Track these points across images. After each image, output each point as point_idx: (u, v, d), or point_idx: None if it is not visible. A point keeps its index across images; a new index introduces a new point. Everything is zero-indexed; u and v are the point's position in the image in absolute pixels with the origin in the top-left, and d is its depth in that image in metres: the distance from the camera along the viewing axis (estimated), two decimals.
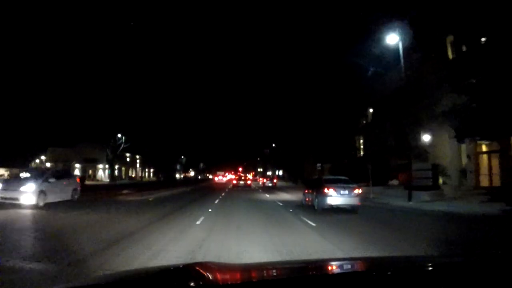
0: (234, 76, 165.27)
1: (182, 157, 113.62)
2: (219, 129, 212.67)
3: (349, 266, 2.26)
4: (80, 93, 53.42)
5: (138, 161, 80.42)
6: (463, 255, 4.15)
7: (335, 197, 13.31)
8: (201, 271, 1.76)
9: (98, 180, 61.33)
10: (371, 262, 2.55)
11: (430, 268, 1.97)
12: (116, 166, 68.65)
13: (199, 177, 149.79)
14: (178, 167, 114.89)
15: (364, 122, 43.96)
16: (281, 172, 79.61)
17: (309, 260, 4.35)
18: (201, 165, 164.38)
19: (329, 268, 2.28)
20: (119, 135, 56.39)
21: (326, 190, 13.35)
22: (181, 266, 2.00)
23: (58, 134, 60.88)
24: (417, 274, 1.78)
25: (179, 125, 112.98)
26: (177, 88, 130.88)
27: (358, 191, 13.82)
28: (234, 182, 47.30)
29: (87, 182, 53.78)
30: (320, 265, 2.48)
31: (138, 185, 45.54)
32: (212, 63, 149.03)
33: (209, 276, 1.69)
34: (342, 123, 45.49)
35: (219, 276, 1.78)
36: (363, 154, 42.65)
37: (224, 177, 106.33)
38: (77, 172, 65.81)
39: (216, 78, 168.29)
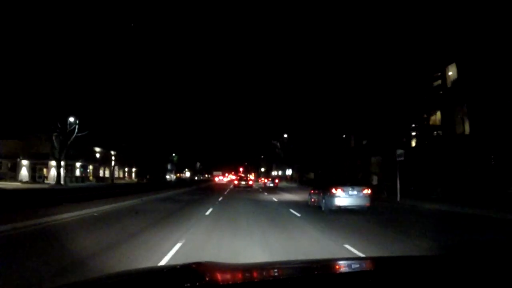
0: (233, 59, 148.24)
1: (174, 154, 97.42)
2: (217, 123, 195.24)
3: (350, 266, 2.25)
4: (34, 73, 38.02)
5: (113, 158, 64.14)
6: (464, 255, 3.72)
7: (343, 197, 12.69)
8: (200, 271, 1.76)
9: (46, 183, 45.02)
10: (372, 262, 2.51)
11: (430, 268, 1.91)
12: (78, 164, 52.53)
13: (196, 178, 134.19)
14: (169, 166, 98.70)
15: (439, 87, 27.47)
16: (290, 172, 63.68)
17: (309, 260, 3.88)
18: (198, 165, 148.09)
19: (330, 268, 2.25)
20: (71, 119, 40.21)
21: (333, 191, 12.79)
22: (181, 266, 1.96)
23: (4, 122, 45.47)
24: (418, 274, 1.77)
25: (170, 119, 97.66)
26: (170, 79, 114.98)
27: (367, 191, 13.03)
28: (236, 182, 45.31)
29: (16, 186, 37.77)
30: (320, 265, 2.40)
31: (89, 191, 29.57)
32: (209, 49, 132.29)
33: (209, 276, 1.69)
34: (398, 95, 29.05)
35: (218, 276, 1.77)
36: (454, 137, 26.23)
37: (224, 177, 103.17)
38: (24, 171, 50.04)
39: (213, 65, 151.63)
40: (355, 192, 12.89)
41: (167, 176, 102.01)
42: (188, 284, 1.54)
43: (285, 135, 55.35)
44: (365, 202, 12.94)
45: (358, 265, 2.29)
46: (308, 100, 44.27)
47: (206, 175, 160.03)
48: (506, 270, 1.71)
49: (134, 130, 72.30)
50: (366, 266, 2.26)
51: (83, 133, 41.29)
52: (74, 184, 44.12)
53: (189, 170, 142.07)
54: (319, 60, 40.08)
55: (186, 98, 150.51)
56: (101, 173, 61.20)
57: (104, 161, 60.09)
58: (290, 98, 54.89)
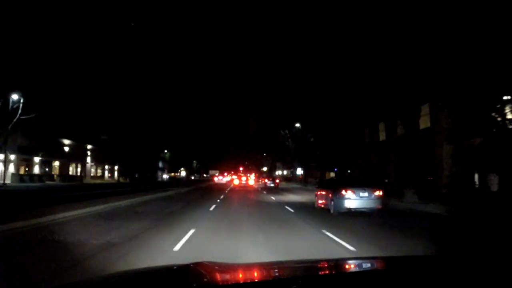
0: (232, 41, 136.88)
1: (166, 151, 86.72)
2: (216, 119, 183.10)
3: (350, 266, 2.25)
4: None
5: (88, 153, 53.54)
6: (464, 255, 3.62)
7: (353, 199, 11.92)
8: (201, 271, 1.74)
9: None
10: (372, 262, 2.44)
11: (430, 268, 1.87)
12: (37, 159, 41.96)
13: (193, 178, 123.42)
14: (160, 164, 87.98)
15: None
16: (301, 171, 53.14)
17: (310, 260, 3.79)
18: (195, 163, 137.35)
19: (330, 267, 2.22)
20: (14, 96, 29.67)
21: (343, 192, 12.02)
22: (181, 266, 1.95)
23: None
24: (420, 274, 1.74)
25: (163, 112, 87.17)
26: (163, 68, 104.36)
27: (378, 192, 12.23)
28: (236, 182, 44.76)
29: None
30: (321, 264, 2.39)
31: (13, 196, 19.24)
32: (206, 34, 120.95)
33: (209, 276, 1.68)
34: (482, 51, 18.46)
35: (219, 276, 1.77)
36: None
37: (224, 177, 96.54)
38: None
39: (210, 51, 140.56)
40: (366, 194, 12.00)
41: (164, 176, 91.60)
42: (193, 284, 1.52)
43: (298, 125, 44.20)
44: (376, 205, 12.09)
45: (358, 265, 2.24)
46: (333, 75, 33.49)
47: (205, 175, 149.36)
48: (506, 270, 1.69)
49: (118, 122, 61.88)
50: (367, 266, 2.17)
51: (29, 116, 30.67)
52: (21, 184, 33.46)
53: (185, 169, 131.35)
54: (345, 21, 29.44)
55: (182, 90, 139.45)
56: (71, 171, 50.51)
57: (76, 156, 49.39)
58: (304, 76, 44.28)
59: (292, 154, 48.62)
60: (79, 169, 52.63)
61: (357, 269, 2.09)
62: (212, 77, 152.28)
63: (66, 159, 47.88)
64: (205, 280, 1.61)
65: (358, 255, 6.17)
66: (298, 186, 43.92)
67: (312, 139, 41.81)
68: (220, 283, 1.65)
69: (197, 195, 24.91)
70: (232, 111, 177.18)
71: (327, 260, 2.96)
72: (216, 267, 1.93)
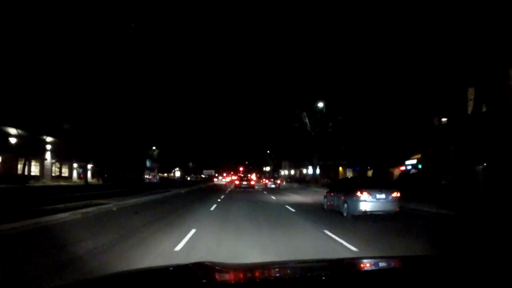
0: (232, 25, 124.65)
1: (154, 148, 75.39)
2: (215, 115, 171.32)
3: (351, 266, 2.22)
4: None
5: (48, 147, 42.22)
6: (463, 255, 3.51)
7: (369, 201, 11.25)
8: (200, 271, 1.73)
9: None
10: (373, 262, 2.42)
11: (434, 268, 1.86)
12: None
13: (188, 179, 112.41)
14: (148, 164, 76.63)
15: None
16: (317, 170, 42.08)
17: (310, 260, 3.76)
18: (190, 164, 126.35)
19: (331, 267, 2.20)
20: None
21: (358, 194, 11.37)
22: (180, 266, 1.92)
23: None
24: (422, 274, 1.72)
25: (153, 104, 75.74)
26: (156, 59, 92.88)
27: (396, 194, 11.59)
28: (237, 183, 42.61)
29: None
30: (320, 265, 2.39)
31: None
32: (203, 21, 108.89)
33: (209, 276, 1.67)
34: None
35: (218, 276, 1.75)
36: None
37: (224, 178, 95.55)
38: None
39: (205, 37, 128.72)
40: (383, 196, 11.33)
41: (153, 176, 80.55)
42: (192, 284, 1.51)
43: (321, 104, 32.12)
44: (393, 207, 11.49)
45: (360, 265, 2.21)
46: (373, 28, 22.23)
47: (202, 175, 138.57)
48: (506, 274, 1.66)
49: (94, 111, 50.77)
50: (368, 265, 2.16)
51: None
52: None
53: (180, 170, 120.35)
54: None
55: (177, 82, 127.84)
56: (20, 169, 39.06)
57: (29, 151, 37.96)
58: (328, 39, 33.04)
59: (310, 146, 36.84)
60: (35, 168, 41.38)
61: (358, 269, 2.05)
62: (209, 61, 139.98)
63: (13, 154, 36.58)
64: (204, 280, 1.58)
65: None
66: (319, 189, 32.64)
67: (343, 120, 30.19)
68: (220, 283, 1.62)
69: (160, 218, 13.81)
70: (231, 104, 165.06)
71: (329, 260, 2.96)
72: (216, 267, 1.91)
